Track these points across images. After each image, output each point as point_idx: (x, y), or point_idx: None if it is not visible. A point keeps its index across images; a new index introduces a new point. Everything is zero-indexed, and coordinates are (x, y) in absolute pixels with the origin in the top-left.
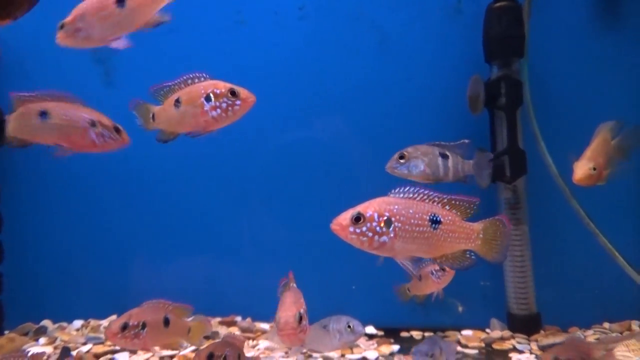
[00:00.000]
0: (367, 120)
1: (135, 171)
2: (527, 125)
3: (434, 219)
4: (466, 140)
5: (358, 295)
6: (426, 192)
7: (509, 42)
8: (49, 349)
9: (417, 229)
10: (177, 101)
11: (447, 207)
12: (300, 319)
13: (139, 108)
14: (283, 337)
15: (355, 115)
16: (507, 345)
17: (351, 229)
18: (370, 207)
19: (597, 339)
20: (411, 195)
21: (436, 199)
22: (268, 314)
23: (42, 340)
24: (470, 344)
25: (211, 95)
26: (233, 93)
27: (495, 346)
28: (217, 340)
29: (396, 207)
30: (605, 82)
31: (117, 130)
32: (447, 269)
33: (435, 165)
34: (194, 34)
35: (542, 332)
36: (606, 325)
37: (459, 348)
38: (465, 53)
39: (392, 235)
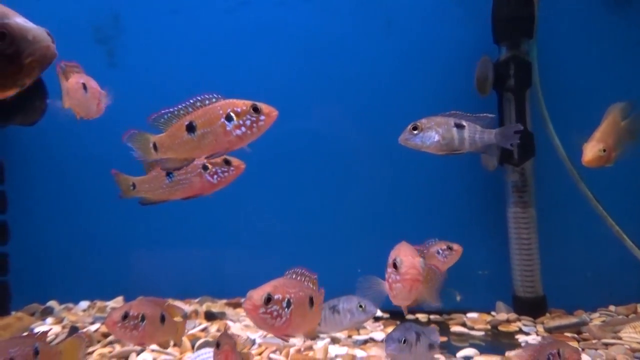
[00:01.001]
0: (374, 103)
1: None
2: (536, 108)
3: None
4: (490, 115)
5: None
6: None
7: (517, 23)
8: (57, 328)
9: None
10: (191, 126)
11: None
12: (268, 301)
13: (136, 139)
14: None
15: (361, 98)
16: (513, 327)
17: (262, 310)
18: (277, 289)
19: (603, 321)
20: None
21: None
22: None
23: (49, 320)
24: (477, 326)
25: (232, 114)
26: (256, 109)
27: (502, 328)
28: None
29: (293, 289)
30: (615, 63)
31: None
32: (455, 247)
33: (450, 136)
34: (197, 14)
35: (547, 315)
36: (612, 308)
37: (464, 330)
38: (473, 34)
39: (289, 316)
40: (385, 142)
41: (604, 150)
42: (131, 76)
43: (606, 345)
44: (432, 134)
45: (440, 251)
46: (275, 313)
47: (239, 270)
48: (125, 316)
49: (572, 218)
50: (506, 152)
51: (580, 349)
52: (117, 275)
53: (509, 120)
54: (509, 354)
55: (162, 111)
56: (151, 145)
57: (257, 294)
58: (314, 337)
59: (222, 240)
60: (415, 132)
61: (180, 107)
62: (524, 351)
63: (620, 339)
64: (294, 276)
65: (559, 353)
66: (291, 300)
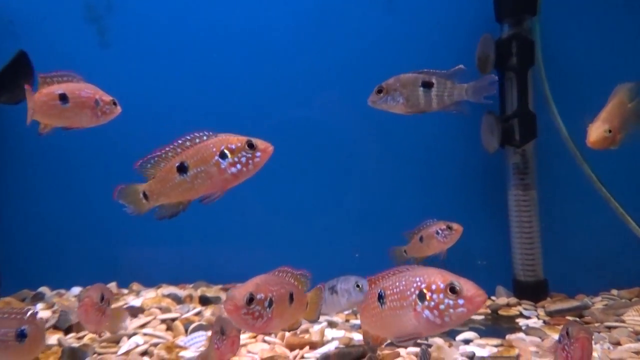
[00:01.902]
0: (372, 84)
1: (137, 140)
2: (538, 87)
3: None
4: (461, 66)
5: (361, 263)
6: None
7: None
8: (47, 313)
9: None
10: (183, 166)
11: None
12: (251, 301)
13: (125, 194)
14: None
15: (359, 80)
16: (513, 311)
17: (243, 311)
18: (259, 288)
19: (606, 305)
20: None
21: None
22: None
23: (40, 305)
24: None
25: (226, 151)
26: (251, 145)
27: (502, 312)
28: None
29: (275, 287)
30: (621, 41)
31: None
32: (455, 226)
33: (416, 96)
34: None
35: (548, 299)
36: (614, 292)
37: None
38: (474, 11)
39: (270, 315)
40: (383, 126)
41: (610, 131)
42: (123, 56)
43: (609, 328)
44: (397, 96)
45: (440, 231)
46: (257, 313)
47: (235, 256)
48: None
49: (574, 200)
50: (508, 133)
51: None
52: (111, 261)
53: (510, 100)
54: (509, 337)
55: (149, 156)
56: (141, 195)
57: (239, 294)
58: (297, 327)
59: (218, 226)
60: (381, 94)
61: (167, 149)
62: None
63: (623, 322)
64: (277, 272)
65: (567, 332)
66: (273, 299)
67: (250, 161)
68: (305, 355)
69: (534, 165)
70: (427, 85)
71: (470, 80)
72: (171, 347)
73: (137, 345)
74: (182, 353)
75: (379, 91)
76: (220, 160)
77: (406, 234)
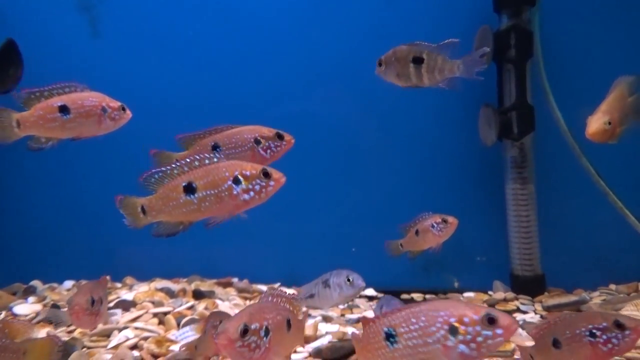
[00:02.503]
0: (369, 76)
1: (131, 133)
2: (537, 79)
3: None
4: (454, 40)
5: (358, 257)
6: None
7: None
8: (38, 307)
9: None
10: (191, 187)
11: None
12: (245, 332)
13: (124, 204)
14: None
15: (357, 72)
16: (510, 306)
17: (238, 344)
18: (253, 317)
19: (604, 300)
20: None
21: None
22: (265, 277)
23: (31, 299)
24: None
25: (240, 177)
26: (266, 174)
27: (499, 307)
28: None
29: (270, 314)
30: (621, 33)
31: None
32: (450, 220)
33: (407, 72)
34: None
35: (546, 294)
36: (612, 286)
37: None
38: (473, 2)
39: (267, 345)
40: (381, 119)
41: (609, 124)
42: (115, 47)
43: None
44: (391, 70)
45: (435, 225)
46: (253, 345)
47: (230, 250)
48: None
49: (572, 195)
50: (505, 126)
51: None
52: (104, 256)
53: (508, 92)
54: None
55: (153, 170)
56: (139, 209)
57: (232, 326)
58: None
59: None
60: (381, 67)
61: (174, 165)
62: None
63: None
64: (269, 298)
65: (617, 324)
66: (269, 327)
67: (263, 189)
68: (298, 349)
69: (532, 159)
70: (418, 61)
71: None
72: (161, 341)
73: (127, 339)
74: (173, 347)
75: (379, 64)
76: (233, 185)
77: (402, 227)
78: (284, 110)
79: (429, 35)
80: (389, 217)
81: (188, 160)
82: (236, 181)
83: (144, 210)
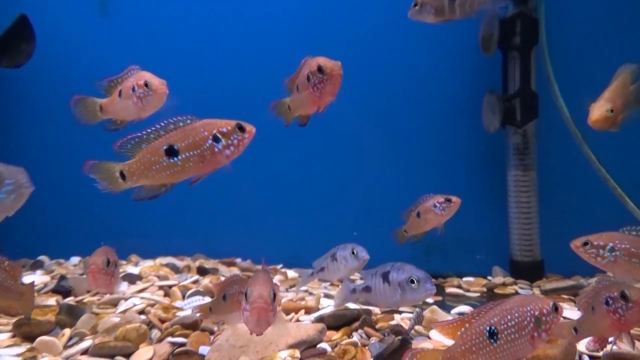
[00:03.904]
0: (373, 63)
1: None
2: (541, 67)
3: None
4: None
5: (359, 241)
6: None
7: None
8: (46, 278)
9: None
10: (172, 150)
11: None
12: (274, 297)
13: (98, 169)
14: (253, 311)
15: (359, 59)
16: (509, 290)
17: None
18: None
19: None
20: None
21: None
22: (268, 259)
23: (39, 272)
24: (472, 289)
25: (219, 135)
26: (241, 128)
27: (497, 291)
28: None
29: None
30: (626, 22)
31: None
32: (454, 199)
33: (442, 7)
34: None
35: (544, 279)
36: (610, 273)
37: (460, 291)
38: None
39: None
40: (384, 107)
41: (612, 111)
42: (125, 27)
43: None
44: (428, 8)
45: (438, 204)
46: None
47: (235, 233)
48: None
49: (573, 182)
50: (509, 112)
51: None
52: (110, 234)
53: (513, 79)
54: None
55: (129, 136)
56: (117, 174)
57: (266, 291)
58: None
59: (218, 204)
60: (416, 7)
61: (149, 130)
62: (582, 300)
63: None
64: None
65: (623, 295)
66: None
67: (240, 143)
68: (301, 318)
69: (534, 146)
70: None
71: None
72: (168, 308)
73: (135, 305)
74: (180, 314)
75: (415, 4)
76: (214, 143)
77: (404, 213)
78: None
79: (436, 25)
80: (391, 202)
81: (163, 124)
82: (216, 139)
83: (123, 176)
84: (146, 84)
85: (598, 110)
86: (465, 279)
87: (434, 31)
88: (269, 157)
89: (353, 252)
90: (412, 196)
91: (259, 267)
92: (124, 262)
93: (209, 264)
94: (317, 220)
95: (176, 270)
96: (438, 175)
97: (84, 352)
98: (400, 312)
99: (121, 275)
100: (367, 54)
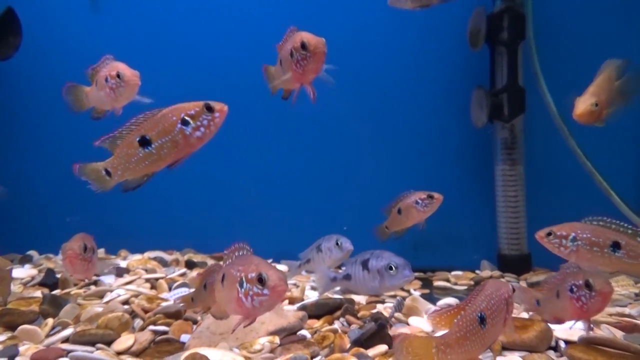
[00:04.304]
0: (363, 57)
1: (127, 108)
2: (528, 62)
3: None
4: None
5: (349, 236)
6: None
7: None
8: (34, 271)
9: None
10: (144, 140)
11: None
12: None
13: (86, 171)
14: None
15: (350, 54)
16: None
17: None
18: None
19: None
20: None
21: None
22: (258, 254)
23: (28, 266)
24: (460, 282)
25: (187, 118)
26: (209, 108)
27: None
28: None
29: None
30: (612, 18)
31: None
32: (436, 196)
33: None
34: None
35: (531, 272)
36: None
37: (448, 284)
38: None
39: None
40: (372, 100)
41: (596, 105)
42: (115, 23)
43: None
44: None
45: (420, 201)
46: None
47: (224, 228)
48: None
49: (560, 176)
50: (497, 107)
51: None
52: (102, 228)
53: (500, 74)
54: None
55: (105, 135)
56: (103, 173)
57: (276, 273)
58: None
59: (208, 200)
60: None
61: (121, 129)
62: (544, 283)
63: None
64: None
65: (587, 284)
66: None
67: (211, 123)
68: (285, 307)
69: (521, 141)
70: None
71: None
72: (152, 299)
73: (119, 296)
74: (164, 304)
75: None
76: (183, 127)
77: (385, 209)
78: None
79: (423, 20)
80: (381, 197)
81: (133, 119)
82: (184, 122)
83: (108, 173)
84: (118, 75)
85: (583, 104)
86: (453, 272)
87: (423, 27)
88: (260, 152)
89: (337, 243)
90: (401, 191)
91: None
92: (113, 256)
93: (197, 258)
94: (308, 214)
95: (164, 264)
96: (427, 170)
97: (65, 340)
98: (383, 302)
99: (109, 267)
100: (356, 49)
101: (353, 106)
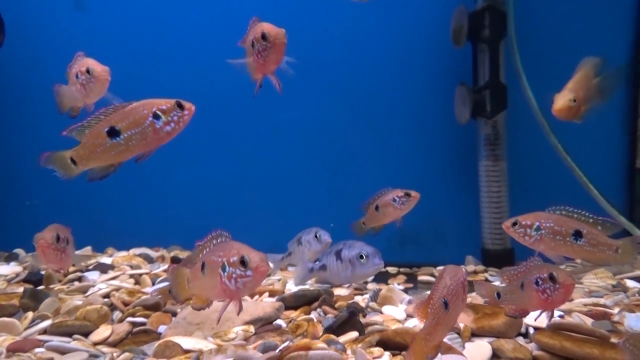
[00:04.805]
0: (345, 53)
1: None
2: (510, 59)
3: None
4: None
5: (336, 233)
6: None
7: None
8: (18, 268)
9: None
10: (113, 131)
11: None
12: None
13: (52, 160)
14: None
15: (331, 50)
16: (479, 277)
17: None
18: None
19: (570, 272)
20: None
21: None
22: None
23: (13, 263)
24: None
25: (158, 112)
26: (180, 105)
27: (469, 278)
28: None
29: None
30: (592, 16)
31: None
32: (413, 194)
33: None
34: None
35: (526, 261)
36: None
37: (432, 279)
38: None
39: None
40: (358, 98)
41: (574, 101)
42: (101, 22)
43: None
44: None
45: (397, 198)
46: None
47: (212, 225)
48: None
49: (542, 172)
50: (479, 104)
51: None
52: (89, 226)
53: (482, 71)
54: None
55: (73, 125)
56: (69, 161)
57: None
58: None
59: (196, 197)
60: None
61: (89, 119)
62: (505, 272)
63: (581, 283)
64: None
65: (551, 277)
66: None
67: (181, 119)
68: (265, 300)
69: (504, 137)
70: None
71: None
72: (133, 292)
73: (100, 290)
74: (144, 297)
75: None
76: (155, 120)
77: (363, 205)
78: (264, 91)
79: (407, 16)
80: (366, 193)
81: (102, 110)
82: (156, 116)
83: (74, 161)
84: (88, 71)
85: (562, 100)
86: (439, 267)
87: (407, 24)
88: (248, 150)
89: (316, 236)
90: (387, 187)
91: None
92: (100, 254)
93: (184, 254)
94: (295, 212)
95: (150, 260)
96: (412, 166)
97: (43, 332)
98: (362, 294)
99: (93, 265)
100: (340, 47)
101: (338, 104)
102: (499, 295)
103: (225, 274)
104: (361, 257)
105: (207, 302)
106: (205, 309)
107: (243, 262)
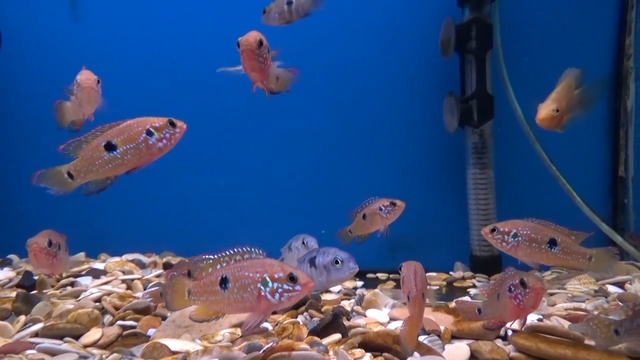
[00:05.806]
0: (335, 61)
1: (109, 117)
2: (496, 70)
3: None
4: None
5: (328, 239)
6: None
7: None
8: (12, 274)
9: None
10: (110, 145)
11: None
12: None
13: (47, 176)
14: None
15: (322, 57)
16: (467, 283)
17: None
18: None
19: (554, 278)
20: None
21: None
22: None
23: (6, 269)
24: (433, 282)
25: (152, 129)
26: (172, 124)
27: (456, 284)
28: None
29: None
30: (576, 27)
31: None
32: (398, 203)
33: (283, 13)
34: None
35: (502, 273)
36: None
37: None
38: None
39: None
40: (345, 105)
41: (557, 111)
42: (95, 31)
43: (551, 294)
44: (272, 13)
45: (383, 207)
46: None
47: (204, 232)
48: None
49: (528, 180)
50: (466, 113)
51: None
52: (83, 232)
53: (470, 81)
54: (456, 300)
55: (70, 140)
56: (66, 176)
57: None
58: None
59: (189, 205)
60: (264, 14)
61: (86, 135)
62: (484, 288)
63: (565, 289)
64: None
65: (522, 282)
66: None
67: (172, 136)
68: None
69: (491, 146)
70: (289, 3)
71: None
72: (124, 297)
73: (92, 294)
74: (135, 302)
75: (263, 12)
76: (148, 137)
77: (350, 213)
78: (253, 96)
79: (396, 28)
80: (356, 201)
81: (99, 126)
82: (149, 133)
83: (71, 176)
84: (76, 81)
85: (545, 110)
86: (428, 274)
87: (396, 35)
88: (241, 158)
89: (303, 242)
90: (376, 195)
91: None
92: (93, 260)
93: (176, 260)
94: (286, 219)
95: (142, 266)
96: (402, 174)
97: (35, 334)
98: (349, 299)
99: (85, 270)
100: (330, 56)
101: (329, 114)
102: (479, 311)
103: (268, 289)
104: (336, 262)
105: (214, 314)
106: (211, 321)
107: (292, 278)
